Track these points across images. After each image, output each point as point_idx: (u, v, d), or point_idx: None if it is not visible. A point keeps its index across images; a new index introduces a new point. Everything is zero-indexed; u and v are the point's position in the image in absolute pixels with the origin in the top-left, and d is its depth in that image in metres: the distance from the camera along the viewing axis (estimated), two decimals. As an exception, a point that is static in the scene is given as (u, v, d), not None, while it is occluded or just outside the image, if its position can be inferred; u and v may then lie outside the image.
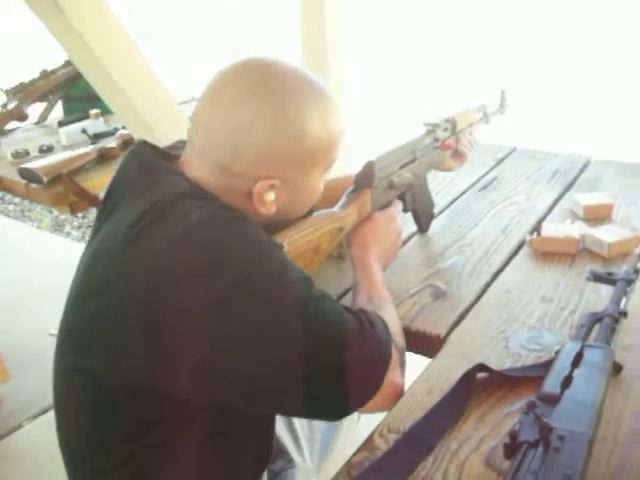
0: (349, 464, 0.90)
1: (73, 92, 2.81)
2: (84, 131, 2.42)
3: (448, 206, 1.70)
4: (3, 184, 2.30)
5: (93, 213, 3.21)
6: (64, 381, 1.02)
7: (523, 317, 1.19)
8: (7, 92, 2.72)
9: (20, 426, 2.38)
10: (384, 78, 7.79)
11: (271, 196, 0.99)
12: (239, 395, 0.91)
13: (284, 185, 1.00)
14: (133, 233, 0.91)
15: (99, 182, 2.10)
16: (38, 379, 2.37)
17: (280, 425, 1.40)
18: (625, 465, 0.87)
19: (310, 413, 1.00)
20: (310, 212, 1.18)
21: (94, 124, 2.50)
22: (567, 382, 0.92)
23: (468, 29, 9.86)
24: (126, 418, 0.94)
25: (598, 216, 1.55)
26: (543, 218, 1.59)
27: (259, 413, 1.05)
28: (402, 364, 1.03)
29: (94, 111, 2.55)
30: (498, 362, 1.07)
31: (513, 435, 0.82)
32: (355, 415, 1.47)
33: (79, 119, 2.62)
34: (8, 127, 2.73)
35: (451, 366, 1.07)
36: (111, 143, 2.29)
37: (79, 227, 4.29)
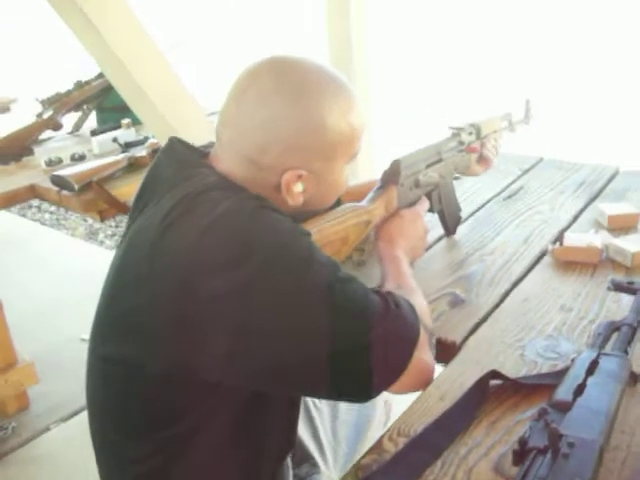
0: (357, 466, 0.90)
1: (106, 103, 2.86)
2: (115, 140, 2.46)
3: (472, 214, 1.69)
4: (36, 191, 2.35)
5: (125, 222, 3.24)
6: (98, 373, 1.05)
7: (541, 325, 1.18)
8: (43, 102, 2.79)
9: (48, 429, 2.42)
10: (410, 83, 7.80)
11: (299, 187, 1.03)
12: (269, 378, 0.93)
13: (311, 175, 1.04)
14: (163, 226, 0.95)
15: (128, 190, 2.14)
16: (67, 383, 2.42)
17: (305, 432, 1.41)
18: (638, 474, 0.85)
19: (339, 394, 0.99)
20: (338, 204, 1.21)
21: (125, 133, 2.54)
22: (580, 390, 0.91)
23: (496, 38, 9.82)
24: (159, 406, 0.97)
25: (623, 226, 1.53)
26: (567, 228, 1.57)
27: (286, 396, 1.07)
28: (431, 345, 1.05)
29: (125, 121, 2.59)
30: (513, 370, 1.06)
31: (522, 441, 0.81)
32: (381, 425, 1.47)
33: (111, 128, 2.67)
34: (43, 136, 2.79)
35: (465, 372, 1.06)
36: (141, 152, 2.33)
37: (112, 235, 4.33)
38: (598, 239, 1.42)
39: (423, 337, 1.01)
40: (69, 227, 4.63)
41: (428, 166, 1.41)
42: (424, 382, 1.03)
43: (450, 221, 1.55)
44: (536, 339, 1.14)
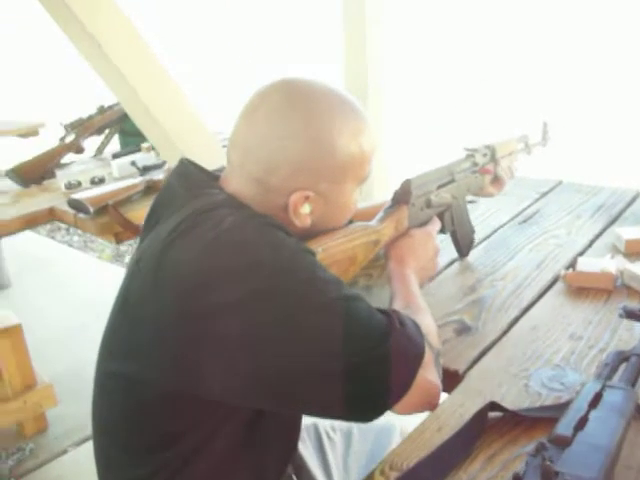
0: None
1: (127, 127, 2.88)
2: (134, 163, 2.48)
3: (486, 238, 1.65)
4: (55, 214, 2.37)
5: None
6: (102, 389, 1.05)
7: (548, 354, 1.14)
8: (66, 127, 2.83)
9: (65, 452, 2.42)
10: (426, 103, 7.79)
11: (306, 208, 1.03)
12: (270, 396, 0.92)
13: (318, 197, 1.03)
14: (169, 240, 0.95)
15: (143, 213, 2.12)
16: (85, 406, 2.39)
17: (315, 463, 1.38)
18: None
19: (340, 412, 0.97)
20: (349, 222, 1.19)
21: (144, 157, 2.55)
22: (582, 424, 0.86)
23: (514, 58, 9.80)
24: (161, 425, 0.96)
25: (641, 251, 1.48)
26: (582, 253, 1.52)
27: (287, 415, 1.06)
28: (437, 365, 1.03)
29: (146, 145, 2.61)
30: (516, 401, 1.02)
31: (516, 478, 0.77)
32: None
33: (132, 152, 2.69)
34: (66, 160, 2.82)
35: (465, 403, 1.03)
36: (159, 175, 2.33)
37: (138, 258, 4.37)
38: (613, 265, 1.37)
39: (428, 356, 0.99)
40: (96, 250, 4.70)
41: (440, 187, 1.39)
42: (430, 402, 1.01)
43: (463, 243, 1.53)
44: (542, 369, 1.10)
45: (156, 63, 1.79)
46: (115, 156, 2.69)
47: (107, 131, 2.96)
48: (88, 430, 2.45)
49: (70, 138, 2.79)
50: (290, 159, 1.00)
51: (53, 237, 4.93)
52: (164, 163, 2.49)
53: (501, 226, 1.72)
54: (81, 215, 2.21)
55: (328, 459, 1.40)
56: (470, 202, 1.83)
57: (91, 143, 2.97)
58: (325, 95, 1.03)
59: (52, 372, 2.65)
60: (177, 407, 0.94)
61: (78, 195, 2.19)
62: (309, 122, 1.00)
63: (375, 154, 1.11)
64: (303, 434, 1.42)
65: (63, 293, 3.76)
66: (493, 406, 0.97)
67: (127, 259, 4.41)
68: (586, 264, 1.38)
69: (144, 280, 0.98)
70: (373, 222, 1.25)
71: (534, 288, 1.38)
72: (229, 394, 0.91)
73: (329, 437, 1.44)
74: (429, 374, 0.99)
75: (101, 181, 2.50)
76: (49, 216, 2.39)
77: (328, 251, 1.11)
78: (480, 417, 0.96)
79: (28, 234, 4.40)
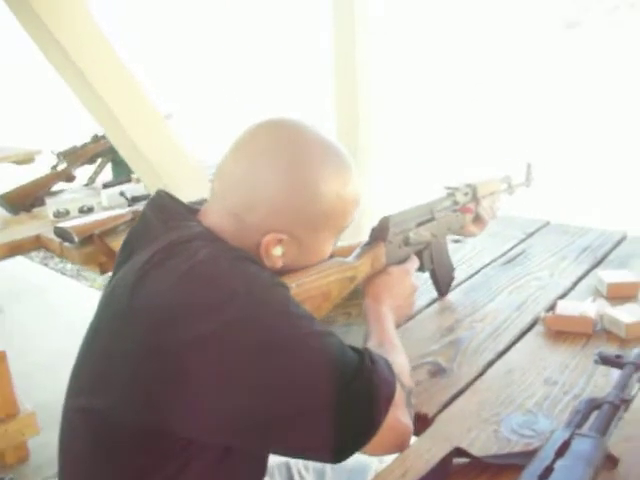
0: None
1: (119, 156, 2.88)
2: (122, 194, 2.48)
3: (468, 278, 1.64)
4: (41, 242, 2.37)
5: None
6: (70, 425, 1.03)
7: (521, 399, 1.12)
8: (58, 155, 2.84)
9: (46, 480, 2.37)
10: (408, 142, 7.84)
11: (278, 251, 1.03)
12: (239, 433, 0.90)
13: (292, 241, 1.03)
14: (143, 271, 0.95)
15: (129, 243, 2.13)
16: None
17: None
18: None
19: (307, 452, 0.95)
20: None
21: (133, 187, 2.56)
22: (547, 473, 0.84)
23: (500, 99, 9.87)
24: (131, 460, 0.94)
25: (623, 295, 1.46)
26: (564, 295, 1.51)
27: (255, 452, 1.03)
28: (409, 405, 1.01)
29: (135, 175, 2.61)
30: (484, 447, 1.00)
31: (475, 528, 0.75)
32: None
33: (123, 182, 2.69)
34: (57, 188, 2.83)
35: (433, 448, 1.00)
36: (146, 206, 2.32)
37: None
38: (593, 308, 1.35)
39: (400, 396, 0.98)
40: (89, 278, 4.68)
41: (419, 224, 1.38)
42: (400, 443, 0.99)
43: (442, 281, 1.51)
44: (513, 414, 1.08)
45: (140, 93, 1.80)
46: (105, 186, 2.69)
47: (100, 160, 2.96)
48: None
49: (62, 166, 2.80)
50: (270, 200, 1.00)
51: (46, 264, 4.92)
52: (153, 194, 2.49)
53: (484, 266, 1.70)
54: (67, 244, 2.20)
55: None
56: (455, 242, 1.82)
57: (85, 172, 2.98)
58: (314, 141, 1.03)
59: (39, 399, 2.61)
60: (147, 443, 0.92)
61: (64, 224, 2.19)
62: (294, 167, 1.00)
63: (358, 207, 1.11)
64: (274, 472, 1.39)
65: (54, 320, 3.74)
66: (459, 452, 0.95)
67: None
68: (566, 307, 1.36)
69: (115, 311, 0.97)
70: (350, 258, 1.24)
71: (512, 331, 1.36)
72: (200, 431, 0.89)
73: (301, 476, 1.41)
74: (400, 414, 0.97)
75: (90, 210, 2.50)
76: (36, 243, 2.39)
77: (302, 287, 1.10)
78: (445, 463, 0.94)
79: (21, 260, 4.40)
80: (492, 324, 1.39)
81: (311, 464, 1.43)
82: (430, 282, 1.52)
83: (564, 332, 1.32)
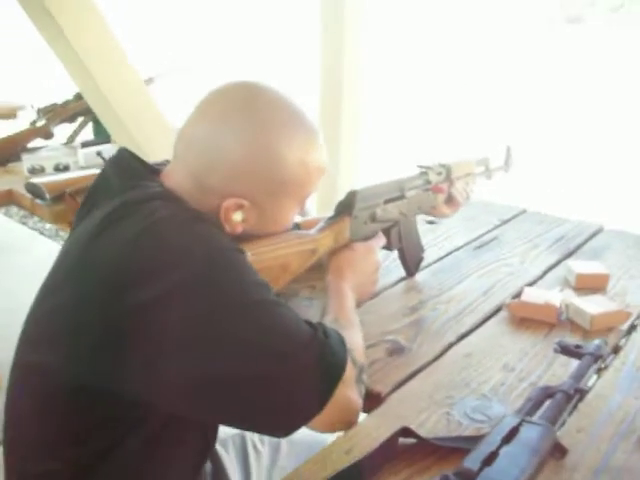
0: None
1: (100, 116, 2.84)
2: (99, 154, 2.43)
3: (438, 260, 1.61)
4: (13, 197, 2.32)
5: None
6: (17, 381, 1.01)
7: (477, 384, 1.10)
8: (39, 111, 2.77)
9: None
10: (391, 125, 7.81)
11: (238, 216, 1.01)
12: (182, 393, 0.87)
13: (253, 208, 1.01)
14: (98, 230, 0.92)
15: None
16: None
17: (236, 476, 1.34)
18: None
19: (251, 423, 0.93)
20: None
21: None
22: (491, 458, 0.82)
23: (486, 88, 9.85)
24: (75, 420, 0.92)
25: (591, 286, 1.45)
26: (532, 283, 1.49)
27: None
28: (359, 382, 1.00)
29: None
30: (434, 429, 0.98)
31: (412, 510, 0.73)
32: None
33: (102, 142, 2.64)
34: (37, 144, 2.77)
35: (381, 427, 0.98)
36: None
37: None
38: (559, 297, 1.33)
39: (350, 372, 0.96)
40: (65, 238, 4.62)
41: (388, 201, 1.36)
42: (347, 421, 0.97)
43: (410, 261, 1.49)
44: (467, 398, 1.06)
45: (120, 54, 1.75)
46: (84, 145, 2.64)
47: (81, 119, 2.90)
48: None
49: (41, 123, 2.74)
50: (230, 162, 0.97)
51: (25, 223, 4.85)
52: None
53: (456, 249, 1.68)
54: (38, 201, 2.16)
55: (251, 471, 1.36)
56: (430, 222, 1.80)
57: (66, 130, 2.92)
58: (279, 105, 1.01)
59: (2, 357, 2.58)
60: (91, 403, 0.90)
61: (36, 180, 2.15)
62: (260, 129, 0.98)
63: (322, 176, 1.08)
64: (227, 443, 1.37)
65: (29, 280, 3.68)
66: (406, 432, 0.93)
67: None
68: (531, 294, 1.34)
69: (69, 268, 0.95)
70: (312, 231, 1.21)
71: (476, 315, 1.34)
72: (144, 389, 0.87)
73: (255, 449, 1.39)
74: (349, 390, 0.96)
75: (66, 168, 2.46)
76: (7, 199, 2.35)
77: (259, 256, 1.08)
78: (391, 442, 0.92)
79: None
80: (456, 307, 1.37)
81: (267, 438, 1.42)
82: (397, 261, 1.50)
83: (528, 319, 1.31)
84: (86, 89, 1.90)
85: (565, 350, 1.10)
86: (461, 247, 1.70)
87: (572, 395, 0.98)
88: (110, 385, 0.87)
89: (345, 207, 1.27)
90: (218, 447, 1.33)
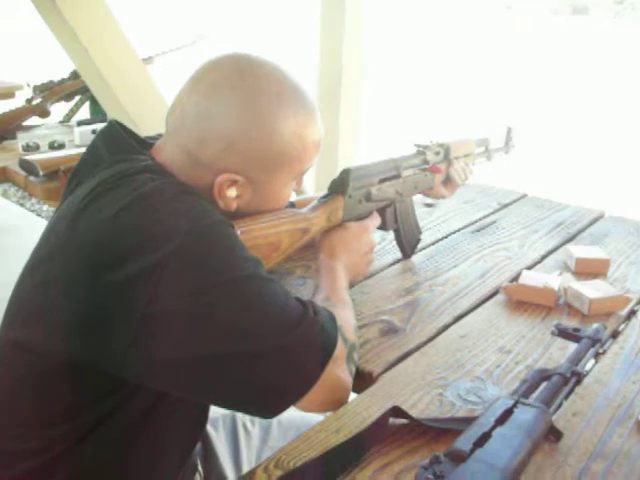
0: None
1: (97, 94, 2.81)
2: (94, 132, 2.40)
3: (435, 242, 1.59)
4: (7, 174, 2.30)
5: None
6: (3, 360, 0.97)
7: (471, 366, 1.07)
8: (35, 88, 2.74)
9: None
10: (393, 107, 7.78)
11: (232, 192, 0.98)
12: (168, 372, 0.85)
13: (247, 184, 0.98)
14: (84, 203, 0.90)
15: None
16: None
17: (226, 454, 1.32)
18: None
19: (239, 402, 0.90)
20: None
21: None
22: (483, 440, 0.80)
23: (490, 75, 9.80)
24: (61, 398, 0.89)
25: (591, 271, 1.42)
26: (531, 267, 1.46)
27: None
28: (350, 361, 0.98)
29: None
30: (426, 410, 0.96)
31: (401, 491, 0.71)
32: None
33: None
34: (33, 123, 2.74)
35: (372, 407, 0.96)
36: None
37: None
38: (557, 281, 1.31)
39: (341, 350, 0.94)
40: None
41: (382, 180, 1.32)
42: (336, 400, 0.95)
43: (406, 242, 1.46)
44: (461, 380, 1.04)
45: (118, 32, 1.72)
46: (80, 123, 2.61)
47: (78, 98, 2.87)
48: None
49: (37, 101, 2.71)
50: (225, 135, 0.94)
51: (23, 205, 4.82)
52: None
53: (454, 232, 1.65)
54: (32, 178, 2.13)
55: (241, 451, 1.33)
56: (428, 205, 1.77)
57: (63, 108, 2.89)
58: (274, 78, 0.98)
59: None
60: (79, 380, 0.88)
61: (30, 157, 2.12)
62: (253, 101, 0.95)
63: (318, 151, 1.05)
64: (218, 423, 1.35)
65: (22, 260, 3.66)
66: (397, 412, 0.90)
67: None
68: (529, 277, 1.31)
69: (55, 242, 0.92)
70: (304, 210, 1.19)
71: (472, 297, 1.31)
72: (130, 367, 0.85)
73: (246, 429, 1.37)
74: (339, 369, 0.94)
75: (61, 147, 2.43)
76: (1, 176, 2.32)
77: (250, 233, 1.05)
78: (381, 422, 0.89)
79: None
80: (453, 289, 1.34)
81: (257, 418, 1.39)
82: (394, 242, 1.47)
83: (525, 303, 1.28)
84: (82, 66, 1.86)
85: (563, 333, 1.08)
86: (459, 230, 1.67)
87: (569, 378, 0.96)
88: (97, 362, 0.85)
89: (338, 186, 1.24)
90: (208, 427, 1.31)
